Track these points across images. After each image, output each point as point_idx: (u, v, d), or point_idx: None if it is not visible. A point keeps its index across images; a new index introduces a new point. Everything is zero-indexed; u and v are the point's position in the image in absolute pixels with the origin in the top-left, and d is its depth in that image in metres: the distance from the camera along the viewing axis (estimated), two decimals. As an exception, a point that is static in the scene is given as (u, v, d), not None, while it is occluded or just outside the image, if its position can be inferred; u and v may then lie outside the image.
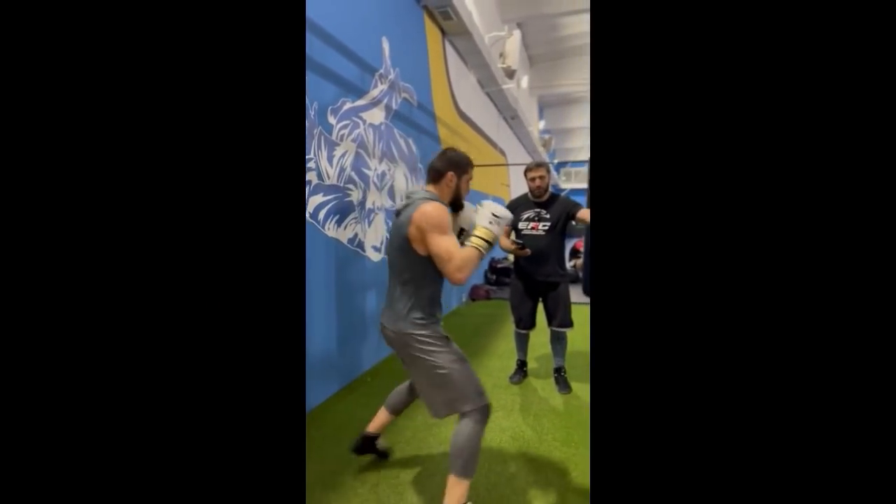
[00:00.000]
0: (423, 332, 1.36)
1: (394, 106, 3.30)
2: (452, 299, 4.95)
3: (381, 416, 1.74)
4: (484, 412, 1.38)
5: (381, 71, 3.10)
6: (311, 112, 2.27)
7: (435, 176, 1.45)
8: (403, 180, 3.47)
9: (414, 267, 1.35)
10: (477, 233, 1.34)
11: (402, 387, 1.73)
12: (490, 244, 1.34)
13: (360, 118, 2.80)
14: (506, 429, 2.10)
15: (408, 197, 1.43)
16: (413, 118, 3.70)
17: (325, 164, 2.41)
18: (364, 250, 2.85)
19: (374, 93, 3.00)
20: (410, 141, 3.62)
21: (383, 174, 3.12)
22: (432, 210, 1.29)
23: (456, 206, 1.46)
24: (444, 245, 1.27)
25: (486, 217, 1.36)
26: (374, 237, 3.00)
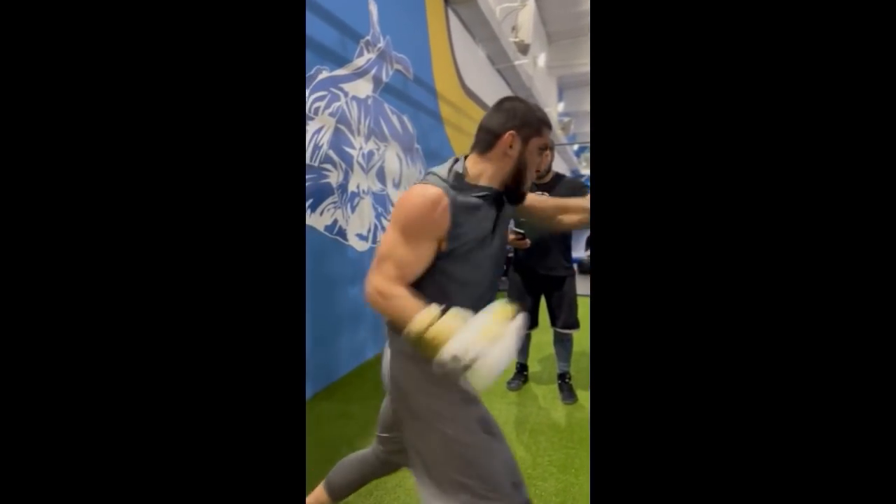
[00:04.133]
0: (423, 368, 0.81)
1: (384, 78, 2.97)
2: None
3: (318, 498, 1.16)
4: None
5: (368, 38, 2.77)
6: (275, 80, 1.97)
7: (485, 142, 0.89)
8: (396, 161, 3.15)
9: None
10: (434, 328, 0.74)
11: (354, 459, 1.15)
12: (428, 354, 0.75)
13: (341, 90, 2.49)
14: (495, 448, 1.80)
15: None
16: (409, 93, 3.36)
17: (294, 140, 2.12)
18: (346, 239, 2.56)
19: (360, 62, 2.68)
20: (405, 118, 3.29)
21: (370, 154, 2.81)
22: (412, 195, 0.82)
23: (520, 193, 0.93)
24: (388, 244, 0.82)
25: (462, 345, 0.71)
26: (360, 224, 2.70)
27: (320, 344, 2.32)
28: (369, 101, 2.79)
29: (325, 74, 2.34)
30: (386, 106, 3.00)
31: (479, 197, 0.86)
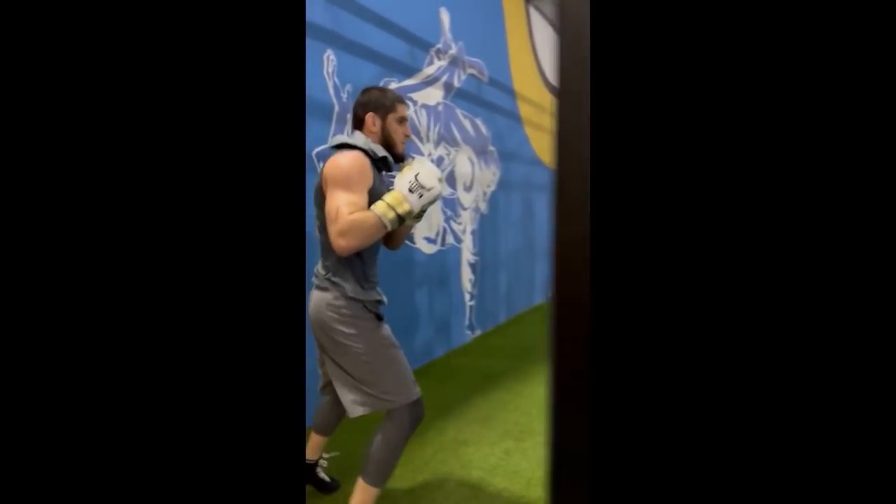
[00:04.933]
0: (345, 305, 1.14)
1: (456, 83, 3.02)
2: (535, 295, 4.54)
3: (312, 441, 1.48)
4: (414, 411, 1.19)
5: (440, 46, 2.84)
6: (343, 95, 2.13)
7: (356, 123, 1.23)
8: (468, 165, 3.18)
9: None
10: (387, 198, 1.07)
11: (323, 405, 1.45)
12: (401, 218, 1.07)
13: (410, 99, 2.59)
14: (543, 459, 1.74)
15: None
16: (484, 95, 3.37)
17: (361, 150, 2.26)
18: (413, 242, 2.66)
19: (430, 70, 2.75)
20: (479, 121, 3.30)
21: (440, 159, 2.88)
22: (342, 159, 1.10)
23: (395, 156, 1.22)
24: (335, 202, 1.05)
25: (406, 181, 1.08)
26: (428, 227, 2.79)
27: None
28: (440, 108, 2.86)
29: (393, 85, 2.45)
30: (457, 111, 3.05)
31: (376, 160, 1.18)
